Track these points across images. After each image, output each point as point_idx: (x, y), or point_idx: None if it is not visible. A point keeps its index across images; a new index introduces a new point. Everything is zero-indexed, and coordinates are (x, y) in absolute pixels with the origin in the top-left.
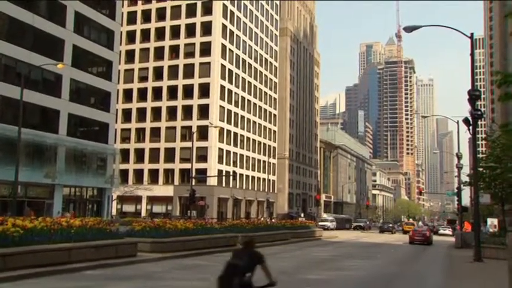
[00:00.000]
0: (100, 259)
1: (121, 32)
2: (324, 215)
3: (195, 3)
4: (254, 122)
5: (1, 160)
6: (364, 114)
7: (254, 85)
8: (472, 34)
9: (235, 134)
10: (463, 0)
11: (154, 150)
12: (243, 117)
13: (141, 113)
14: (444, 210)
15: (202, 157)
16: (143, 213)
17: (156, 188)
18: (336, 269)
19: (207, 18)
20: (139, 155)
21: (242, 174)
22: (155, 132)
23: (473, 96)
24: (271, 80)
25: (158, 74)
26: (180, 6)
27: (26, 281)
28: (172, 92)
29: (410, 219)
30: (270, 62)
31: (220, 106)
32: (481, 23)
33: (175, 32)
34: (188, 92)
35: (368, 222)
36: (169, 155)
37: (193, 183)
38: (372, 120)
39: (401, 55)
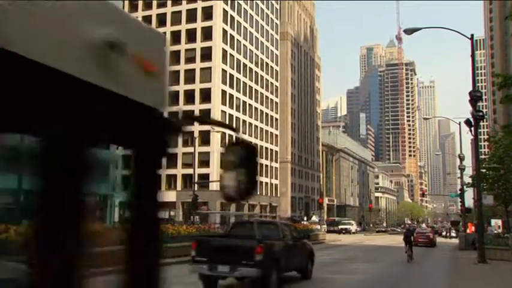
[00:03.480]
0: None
1: None
2: (314, 218)
3: (195, 9)
4: (256, 127)
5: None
6: (365, 116)
7: (255, 89)
8: (472, 35)
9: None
10: (463, 0)
11: None
12: (244, 121)
13: None
14: (447, 212)
15: (205, 162)
16: None
17: None
18: (340, 272)
19: (207, 23)
20: None
21: None
22: None
23: (475, 97)
24: (272, 84)
25: None
26: (180, 11)
27: None
28: (174, 98)
29: (423, 225)
30: (271, 66)
31: (222, 111)
32: (481, 24)
33: (176, 37)
34: (189, 97)
35: (354, 224)
36: (172, 160)
37: (196, 189)
38: (374, 122)
39: (402, 57)
